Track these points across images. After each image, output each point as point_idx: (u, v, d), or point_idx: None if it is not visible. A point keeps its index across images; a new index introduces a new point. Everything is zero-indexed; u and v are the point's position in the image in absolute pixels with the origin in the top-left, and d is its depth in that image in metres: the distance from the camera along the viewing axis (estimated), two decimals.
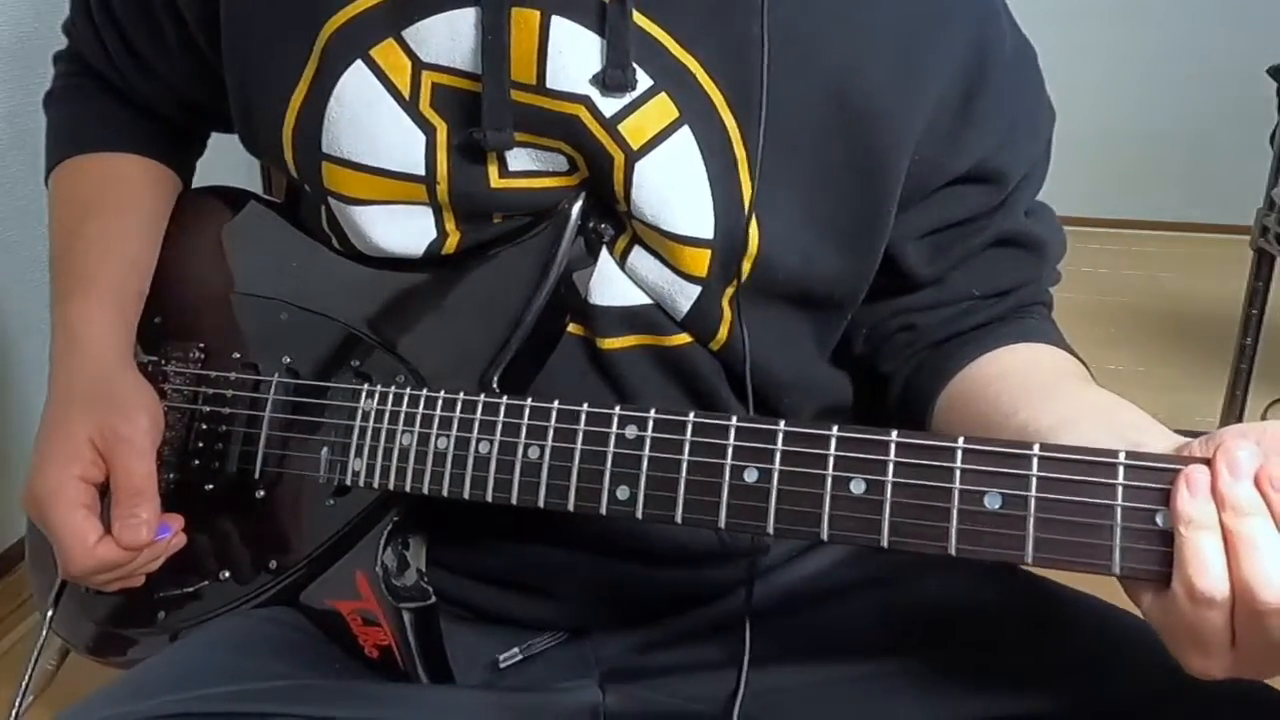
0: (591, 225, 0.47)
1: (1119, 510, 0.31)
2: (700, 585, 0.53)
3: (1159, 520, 0.30)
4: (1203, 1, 2.33)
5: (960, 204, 0.49)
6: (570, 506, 0.40)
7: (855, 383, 0.55)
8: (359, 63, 0.46)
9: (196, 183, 0.63)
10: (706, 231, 0.46)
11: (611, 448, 0.39)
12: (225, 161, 0.61)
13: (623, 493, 0.39)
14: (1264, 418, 1.48)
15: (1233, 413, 1.34)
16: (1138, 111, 2.41)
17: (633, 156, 0.45)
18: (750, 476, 0.36)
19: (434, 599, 0.48)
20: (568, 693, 0.52)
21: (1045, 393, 0.44)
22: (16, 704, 0.55)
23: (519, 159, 0.47)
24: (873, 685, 0.47)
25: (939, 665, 0.46)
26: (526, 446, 0.41)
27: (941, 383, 0.49)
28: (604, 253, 0.48)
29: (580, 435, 0.40)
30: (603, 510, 0.40)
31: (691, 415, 0.38)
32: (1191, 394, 1.56)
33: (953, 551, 0.33)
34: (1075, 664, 0.44)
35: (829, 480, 0.35)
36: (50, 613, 0.55)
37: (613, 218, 0.47)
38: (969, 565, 0.52)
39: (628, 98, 0.44)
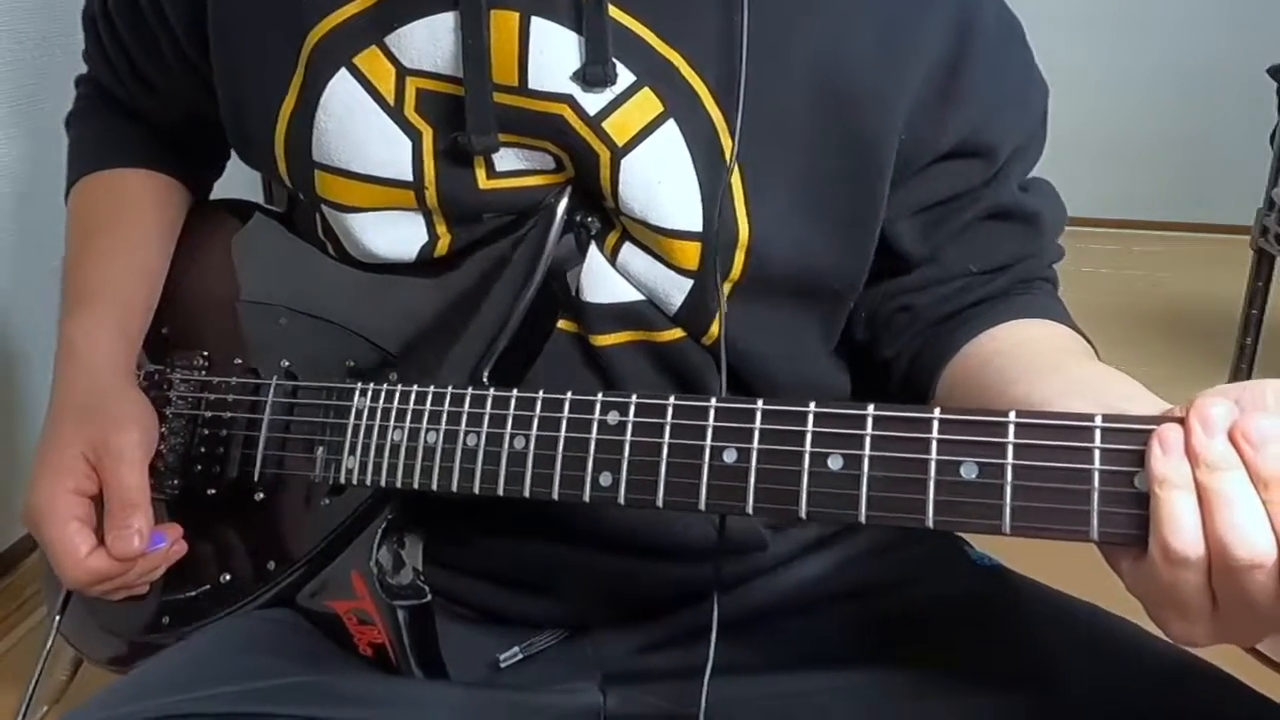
0: (579, 219, 0.47)
1: (1096, 474, 0.30)
2: (700, 582, 0.53)
3: (1136, 483, 0.30)
4: (1202, 3, 2.33)
5: (950, 180, 0.49)
6: (554, 495, 0.40)
7: (856, 373, 0.55)
8: (343, 71, 0.47)
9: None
10: (695, 224, 0.46)
11: (594, 434, 0.39)
12: (231, 169, 0.63)
13: (605, 479, 0.39)
14: None
15: None
16: (1138, 112, 2.40)
17: (618, 153, 0.45)
18: (729, 457, 0.36)
19: (429, 597, 0.48)
20: (568, 694, 0.51)
21: (1041, 369, 0.43)
22: (21, 712, 0.55)
23: (506, 159, 0.47)
24: (872, 691, 0.46)
25: (939, 673, 0.45)
26: (513, 437, 0.42)
27: (942, 362, 0.48)
28: (594, 249, 0.48)
29: (564, 423, 0.40)
30: (586, 498, 0.39)
31: (671, 398, 0.38)
32: (1192, 394, 1.54)
33: (930, 524, 0.32)
34: (1068, 674, 0.43)
35: (807, 457, 0.34)
36: (57, 618, 0.56)
37: (600, 211, 0.48)
38: (968, 572, 0.52)
39: (610, 94, 0.44)
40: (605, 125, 0.45)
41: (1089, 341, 0.49)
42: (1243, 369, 1.32)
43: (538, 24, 0.45)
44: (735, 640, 0.49)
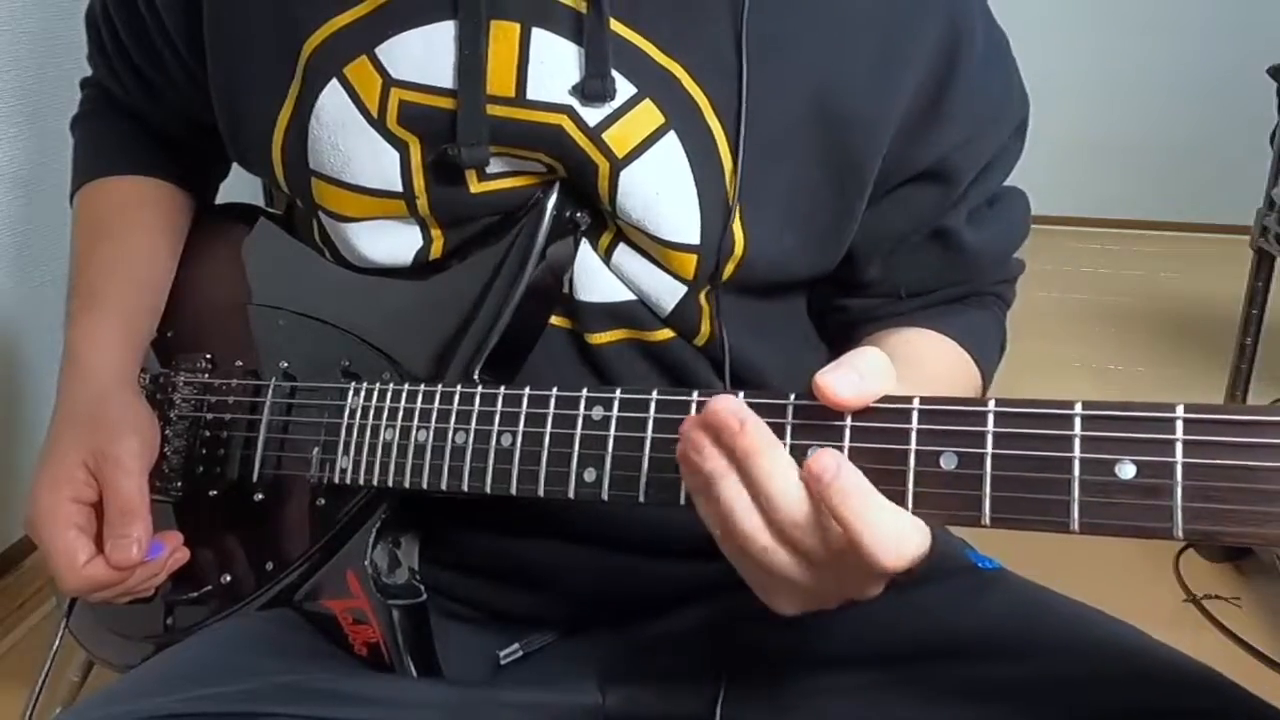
0: (569, 214, 0.47)
1: (1076, 463, 0.30)
2: (700, 580, 0.52)
3: (1118, 471, 0.29)
4: (1202, 5, 2.33)
5: (910, 212, 0.50)
6: (540, 491, 0.40)
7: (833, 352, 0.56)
8: (334, 82, 0.47)
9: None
10: (693, 237, 0.46)
11: (579, 430, 0.39)
12: (234, 172, 0.63)
13: (589, 475, 0.39)
14: None
15: None
16: (1138, 113, 2.41)
17: (618, 165, 0.45)
18: None
19: (424, 597, 0.48)
20: (568, 694, 0.51)
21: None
22: (27, 714, 0.56)
23: (496, 163, 0.47)
24: (874, 692, 0.46)
25: (941, 675, 0.45)
26: (500, 434, 0.42)
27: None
28: (587, 248, 0.48)
29: (550, 419, 0.40)
30: (570, 494, 0.39)
31: (654, 393, 0.38)
32: (1192, 394, 1.55)
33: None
34: (1069, 677, 0.43)
35: (786, 449, 0.34)
36: (64, 622, 0.56)
37: (590, 207, 0.48)
38: (971, 574, 0.51)
39: (610, 106, 0.44)
40: (605, 136, 0.45)
41: (980, 359, 0.52)
42: (1243, 369, 1.31)
43: (538, 35, 0.45)
44: (735, 641, 0.49)
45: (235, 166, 0.58)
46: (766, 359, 0.51)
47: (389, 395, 0.47)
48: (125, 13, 0.56)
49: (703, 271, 0.47)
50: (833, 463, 0.32)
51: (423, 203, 0.48)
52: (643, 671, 0.52)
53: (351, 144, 0.47)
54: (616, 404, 0.39)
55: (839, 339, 0.55)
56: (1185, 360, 1.74)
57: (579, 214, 0.48)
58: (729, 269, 0.47)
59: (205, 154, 0.62)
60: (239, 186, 0.66)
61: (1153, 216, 2.45)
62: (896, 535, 0.32)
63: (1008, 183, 0.54)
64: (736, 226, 0.46)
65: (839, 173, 0.47)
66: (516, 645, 0.54)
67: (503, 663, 0.54)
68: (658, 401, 0.38)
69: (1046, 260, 1.95)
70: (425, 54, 0.46)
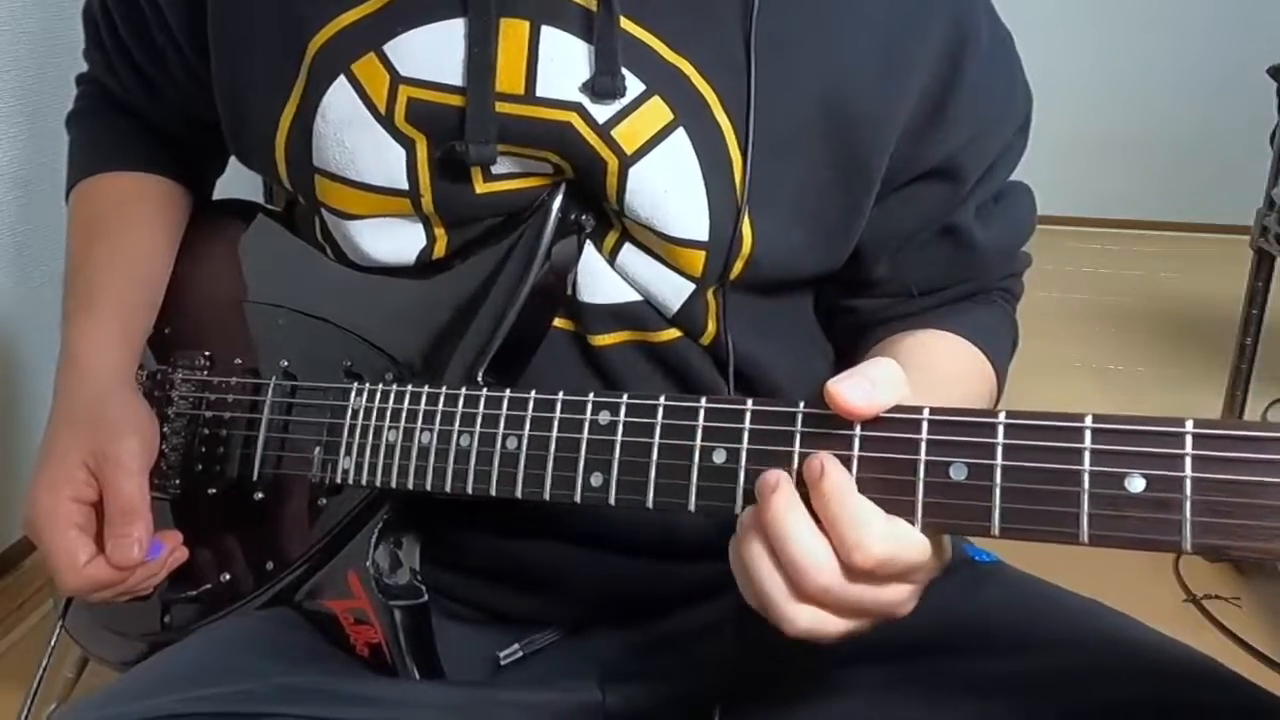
0: (573, 217, 0.47)
1: (1086, 475, 0.30)
2: (700, 580, 0.53)
3: (1127, 484, 0.29)
4: (1202, 4, 2.33)
5: (918, 209, 0.50)
6: (546, 495, 0.40)
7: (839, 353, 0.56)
8: (341, 79, 0.47)
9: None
10: (702, 233, 0.46)
11: (586, 434, 0.39)
12: (231, 168, 0.63)
13: (596, 479, 0.39)
14: (1264, 418, 1.48)
15: (1233, 412, 1.33)
16: (1138, 112, 2.41)
17: (626, 161, 0.45)
18: (719, 457, 0.36)
19: (426, 597, 0.48)
20: (569, 693, 0.51)
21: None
22: (24, 712, 0.56)
23: (502, 164, 0.47)
24: (875, 687, 0.45)
25: (941, 668, 0.45)
26: (505, 437, 0.42)
27: (861, 353, 0.52)
28: (591, 249, 0.48)
29: (556, 423, 0.40)
30: (577, 499, 0.39)
31: (662, 398, 0.38)
32: (1192, 394, 1.59)
33: (919, 526, 0.32)
34: (1067, 668, 0.43)
35: (796, 458, 0.34)
36: (60, 622, 0.56)
37: (595, 209, 0.48)
38: (969, 568, 0.51)
39: (619, 103, 0.44)
40: (614, 133, 0.45)
41: (993, 356, 0.52)
42: (1243, 369, 1.32)
43: (548, 33, 0.45)
44: (736, 640, 0.49)
45: (234, 163, 0.58)
46: (771, 358, 0.51)
47: (392, 396, 0.46)
48: (125, 8, 0.55)
49: (711, 268, 0.47)
50: (818, 464, 0.33)
51: (427, 200, 0.48)
52: (643, 671, 0.52)
53: (358, 141, 0.47)
54: (623, 409, 0.39)
55: (851, 342, 0.55)
56: (1185, 360, 1.75)
57: (584, 216, 0.48)
58: (738, 267, 0.47)
59: (203, 150, 0.61)
60: (238, 182, 0.66)
61: (1153, 216, 2.46)
62: (869, 534, 0.33)
63: (1012, 178, 0.54)
64: (745, 224, 0.46)
65: (846, 171, 0.47)
66: (516, 645, 0.54)
67: (503, 663, 0.54)
68: (665, 408, 0.38)
69: (1047, 260, 1.95)
70: (434, 51, 0.46)
